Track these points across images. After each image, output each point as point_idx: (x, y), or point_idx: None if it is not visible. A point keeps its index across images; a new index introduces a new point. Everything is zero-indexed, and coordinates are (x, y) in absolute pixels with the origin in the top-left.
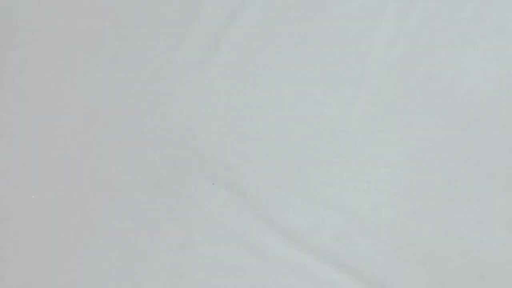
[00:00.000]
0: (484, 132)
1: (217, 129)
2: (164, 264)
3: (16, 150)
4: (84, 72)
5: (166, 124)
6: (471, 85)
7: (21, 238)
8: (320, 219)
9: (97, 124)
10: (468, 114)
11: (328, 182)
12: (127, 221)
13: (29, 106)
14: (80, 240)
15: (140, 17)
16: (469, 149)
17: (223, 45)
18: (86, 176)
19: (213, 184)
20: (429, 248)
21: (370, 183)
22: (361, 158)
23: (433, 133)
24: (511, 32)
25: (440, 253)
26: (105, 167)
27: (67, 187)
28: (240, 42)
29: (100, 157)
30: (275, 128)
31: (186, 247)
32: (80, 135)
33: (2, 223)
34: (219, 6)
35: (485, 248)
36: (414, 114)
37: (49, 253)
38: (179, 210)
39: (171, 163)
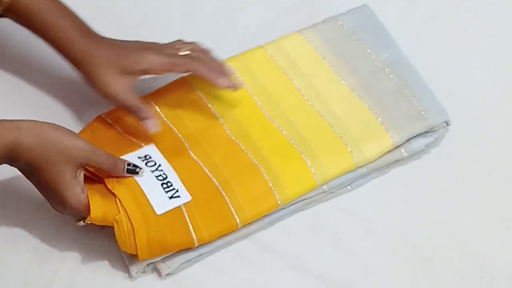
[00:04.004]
0: (484, 132)
1: None
2: None
3: None
4: None
5: None
6: (471, 85)
7: (21, 237)
8: (320, 219)
9: None
10: (468, 114)
11: None
12: None
13: (29, 105)
14: (80, 240)
15: (141, 17)
16: (469, 149)
17: (223, 45)
18: None
19: None
20: (429, 248)
21: (371, 183)
22: None
23: None
24: (511, 32)
25: (440, 254)
26: None
27: None
28: (240, 42)
29: None
30: None
31: None
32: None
33: (2, 223)
34: (219, 6)
35: (486, 248)
36: None
37: (49, 253)
38: None
39: None
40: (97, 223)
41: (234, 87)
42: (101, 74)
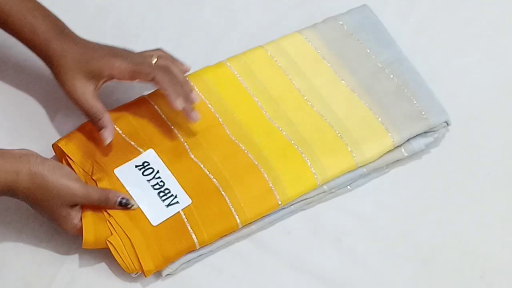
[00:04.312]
0: (484, 132)
1: None
2: None
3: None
4: None
5: None
6: (471, 85)
7: (21, 237)
8: (320, 219)
9: None
10: (468, 114)
11: None
12: None
13: (29, 104)
14: (80, 240)
15: (141, 17)
16: (469, 149)
17: (223, 45)
18: None
19: None
20: (429, 248)
21: (371, 183)
22: None
23: None
24: (511, 32)
25: (440, 254)
26: None
27: None
28: (240, 42)
29: None
30: None
31: None
32: None
33: (2, 223)
34: (219, 6)
35: (486, 248)
36: None
37: (49, 253)
38: None
39: None
40: (93, 247)
41: (190, 115)
42: (70, 77)
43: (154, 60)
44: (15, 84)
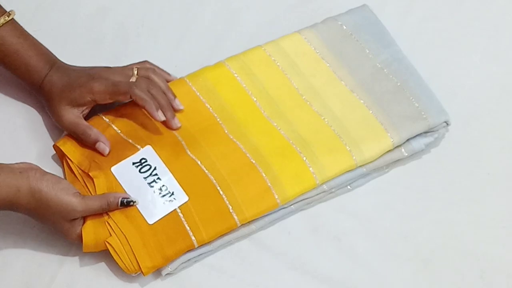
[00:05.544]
0: (484, 132)
1: None
2: None
3: (19, 148)
4: None
5: None
6: (471, 85)
7: (21, 238)
8: (320, 219)
9: None
10: (468, 114)
11: None
12: None
13: (30, 105)
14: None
15: (141, 17)
16: (469, 149)
17: (223, 45)
18: None
19: None
20: (429, 248)
21: (371, 183)
22: None
23: None
24: (511, 32)
25: (440, 254)
26: None
27: None
28: (240, 42)
29: None
30: None
31: None
32: None
33: (2, 223)
34: (219, 6)
35: (486, 248)
36: None
37: (49, 253)
38: None
39: None
40: (94, 251)
41: (171, 123)
42: (56, 106)
43: (135, 71)
44: (16, 84)
